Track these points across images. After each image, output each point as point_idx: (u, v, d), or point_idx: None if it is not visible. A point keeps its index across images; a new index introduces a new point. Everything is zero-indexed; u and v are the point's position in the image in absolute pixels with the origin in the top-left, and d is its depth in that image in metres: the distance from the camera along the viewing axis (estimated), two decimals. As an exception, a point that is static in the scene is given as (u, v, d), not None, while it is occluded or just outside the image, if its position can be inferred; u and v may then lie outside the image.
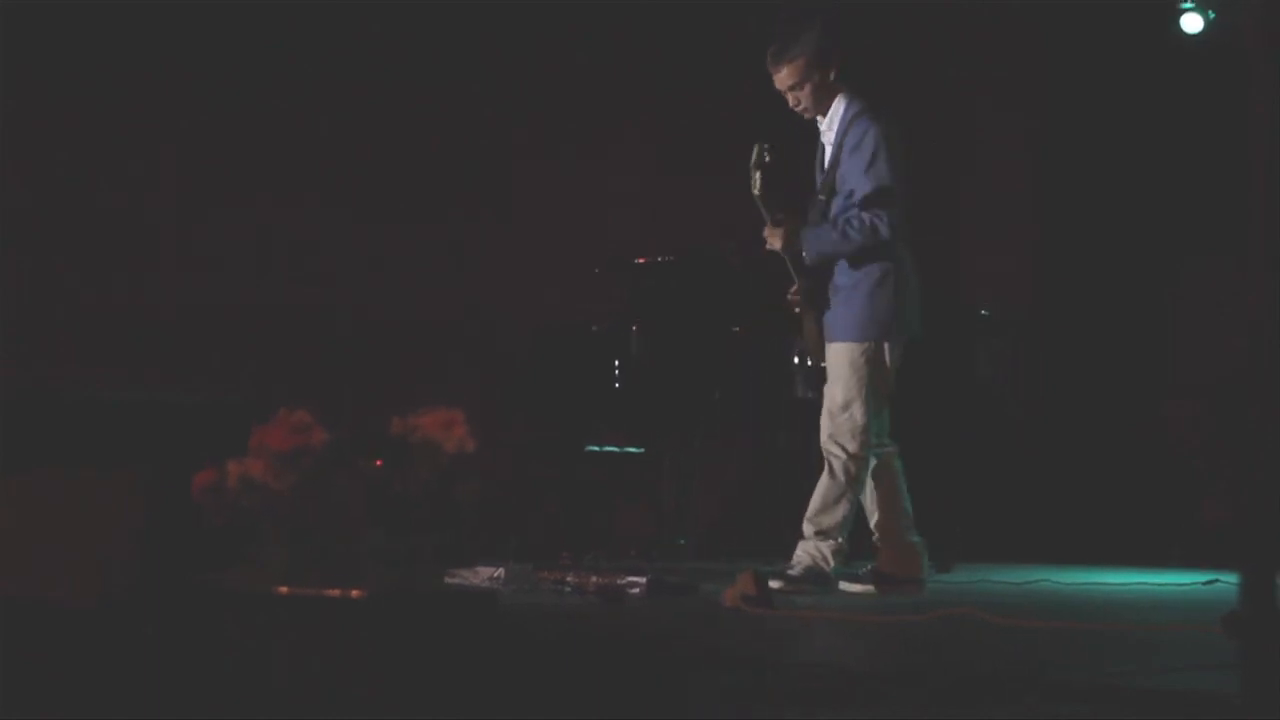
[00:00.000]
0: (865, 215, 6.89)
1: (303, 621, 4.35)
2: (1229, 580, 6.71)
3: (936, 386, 8.25)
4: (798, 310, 7.21)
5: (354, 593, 4.33)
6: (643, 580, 6.78)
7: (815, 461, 7.19)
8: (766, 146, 6.98)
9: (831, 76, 7.04)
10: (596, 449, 8.69)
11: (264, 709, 3.96)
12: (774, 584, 6.55)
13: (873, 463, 7.05)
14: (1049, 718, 3.83)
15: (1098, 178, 10.22)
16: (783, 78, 7.04)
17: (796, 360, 8.10)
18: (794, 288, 7.18)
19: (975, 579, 7.71)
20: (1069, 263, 10.39)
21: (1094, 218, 10.25)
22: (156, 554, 4.83)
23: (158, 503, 4.91)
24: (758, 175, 6.98)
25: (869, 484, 7.10)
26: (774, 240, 7.07)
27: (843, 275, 7.03)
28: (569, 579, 6.83)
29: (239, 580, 4.51)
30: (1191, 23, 9.53)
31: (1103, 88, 10.11)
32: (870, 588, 6.99)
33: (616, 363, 8.21)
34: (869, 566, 7.10)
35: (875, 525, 7.13)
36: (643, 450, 8.73)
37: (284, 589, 4.40)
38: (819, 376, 7.17)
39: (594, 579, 6.75)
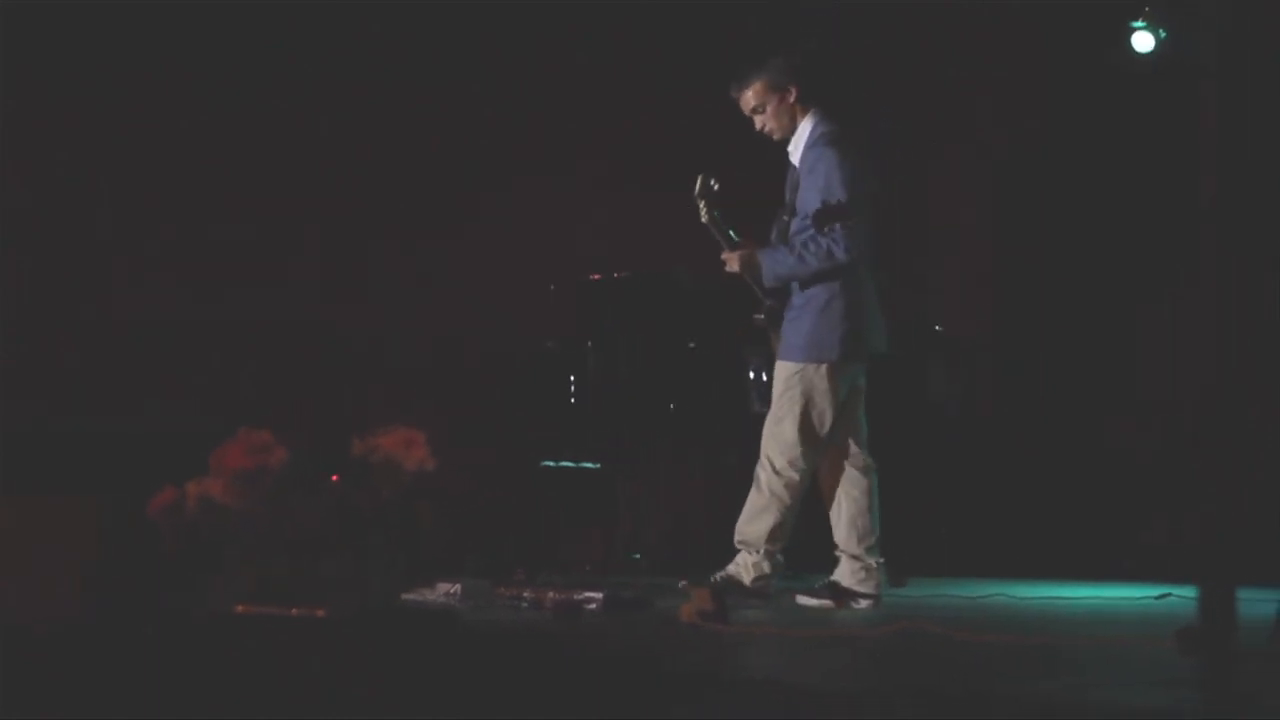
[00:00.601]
0: (820, 238, 6.94)
1: (264, 642, 4.36)
2: (1182, 595, 6.77)
3: (893, 402, 8.29)
4: (767, 329, 7.28)
5: (316, 612, 4.35)
6: (599, 596, 6.79)
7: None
8: (709, 177, 7.09)
9: (792, 98, 7.11)
10: (553, 465, 8.70)
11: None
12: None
13: (806, 482, 7.11)
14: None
15: (1052, 198, 10.28)
16: (745, 100, 7.14)
17: (752, 375, 8.15)
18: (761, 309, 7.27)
19: (930, 593, 7.74)
20: (1024, 283, 10.44)
21: (1049, 238, 10.30)
22: (114, 578, 4.83)
23: (116, 527, 4.91)
24: (702, 204, 7.12)
25: (838, 498, 7.16)
26: (731, 264, 7.15)
27: (796, 296, 7.11)
28: (526, 594, 6.84)
29: (199, 602, 4.53)
30: (1142, 41, 9.59)
31: (1057, 107, 10.17)
32: (827, 602, 7.04)
33: (572, 379, 8.24)
34: (825, 580, 7.15)
35: (839, 539, 7.18)
36: (598, 466, 8.75)
37: (244, 609, 4.42)
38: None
39: (551, 594, 6.77)
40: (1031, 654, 5.34)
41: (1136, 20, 9.57)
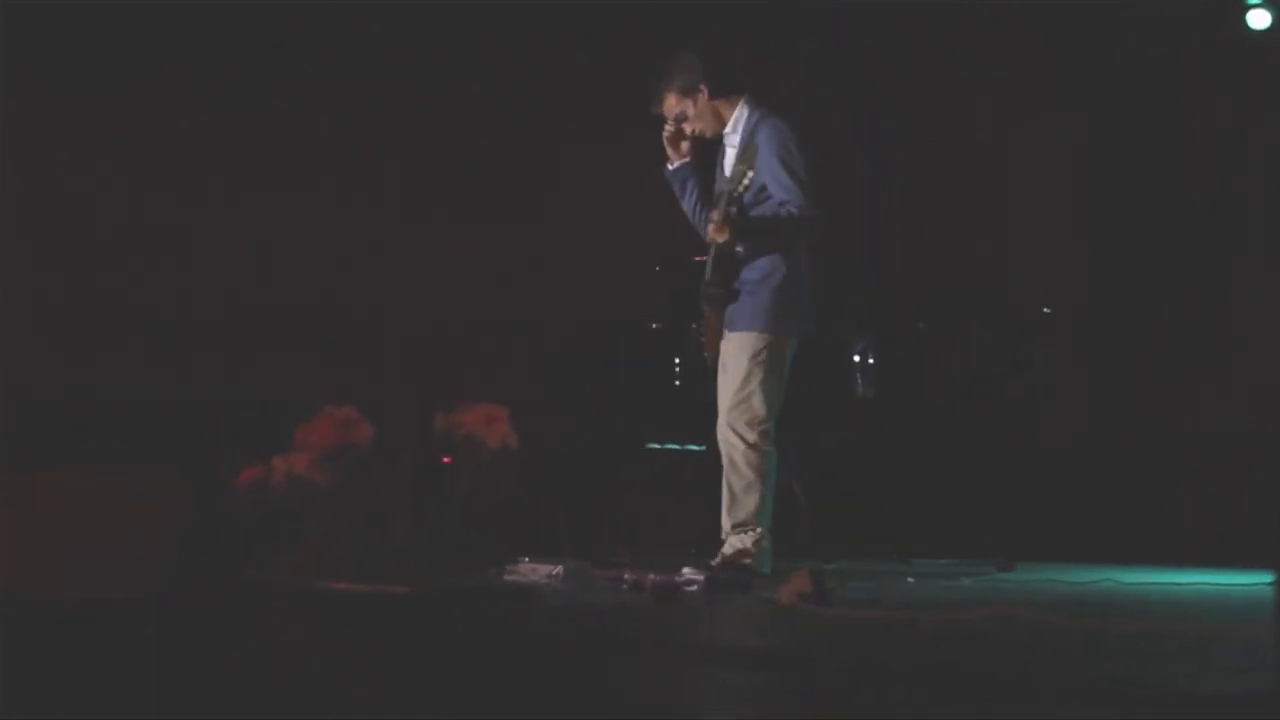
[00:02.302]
0: (792, 208, 6.97)
1: (343, 616, 4.36)
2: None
3: (993, 385, 8.20)
4: (703, 303, 7.19)
5: (397, 588, 4.34)
6: (700, 577, 6.75)
7: (868, 459, 7.19)
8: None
9: (705, 95, 7.18)
10: (657, 446, 8.66)
11: (300, 704, 3.97)
12: (689, 578, 6.64)
13: (774, 455, 7.05)
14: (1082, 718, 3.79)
15: (1147, 178, 10.11)
16: (667, 111, 7.25)
17: (856, 358, 8.09)
18: (705, 280, 7.17)
19: (1036, 578, 7.64)
20: (1121, 263, 10.28)
21: (1144, 217, 10.13)
22: (200, 550, 4.86)
23: (202, 499, 4.93)
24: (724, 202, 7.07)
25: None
26: (719, 235, 7.05)
27: (750, 270, 7.07)
28: (626, 576, 6.81)
29: (281, 575, 4.53)
30: (1259, 19, 9.42)
31: (1152, 84, 9.99)
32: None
33: (677, 360, 8.20)
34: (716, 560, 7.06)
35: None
36: (703, 448, 8.70)
37: (326, 584, 4.41)
38: (711, 368, 7.20)
39: (651, 576, 6.73)
40: (1126, 640, 5.24)
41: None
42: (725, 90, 7.19)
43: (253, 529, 4.61)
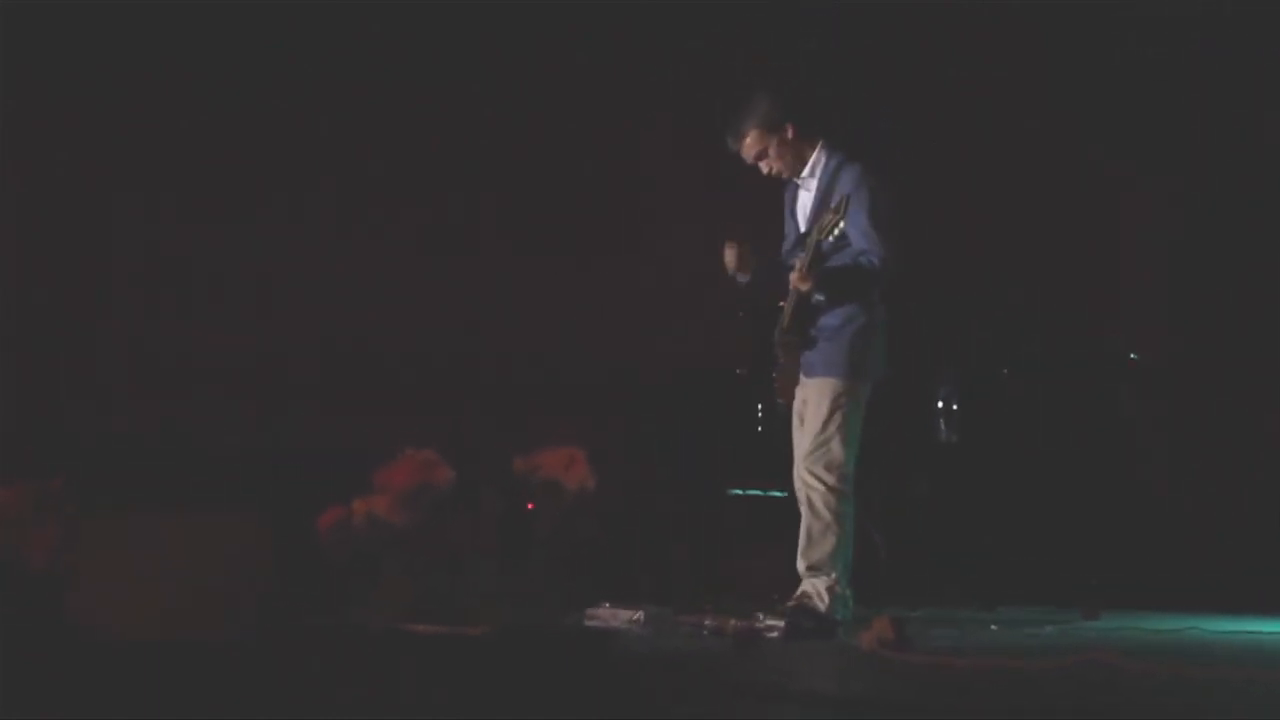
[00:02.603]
0: (873, 258, 6.91)
1: (422, 657, 4.40)
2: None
3: (1083, 428, 8.18)
4: (779, 351, 7.15)
5: (472, 630, 4.38)
6: (781, 623, 6.75)
7: (953, 506, 7.16)
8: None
9: (790, 135, 7.07)
10: (740, 492, 8.67)
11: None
12: (770, 624, 6.63)
13: (853, 500, 6.98)
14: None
15: (1239, 216, 10.02)
16: (746, 150, 7.11)
17: (941, 405, 8.08)
18: (782, 328, 7.11)
19: (1121, 625, 7.59)
20: (1212, 308, 10.19)
21: (1238, 262, 10.05)
22: (283, 592, 4.91)
23: (284, 543, 4.99)
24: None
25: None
26: (803, 284, 6.95)
27: (829, 317, 7.02)
28: (707, 622, 6.82)
29: (361, 617, 4.58)
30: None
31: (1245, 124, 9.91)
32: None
33: (760, 406, 8.20)
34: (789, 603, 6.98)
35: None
36: (785, 495, 8.70)
37: (405, 625, 4.46)
38: (786, 415, 7.15)
39: (732, 622, 6.73)
40: (1199, 687, 5.22)
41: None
42: (809, 131, 7.14)
43: (335, 571, 4.66)
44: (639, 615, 6.90)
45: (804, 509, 7.01)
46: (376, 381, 8.64)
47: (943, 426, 8.13)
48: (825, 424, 6.98)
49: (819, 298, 7.01)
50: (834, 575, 6.93)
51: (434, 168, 9.01)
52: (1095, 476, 8.47)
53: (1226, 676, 5.50)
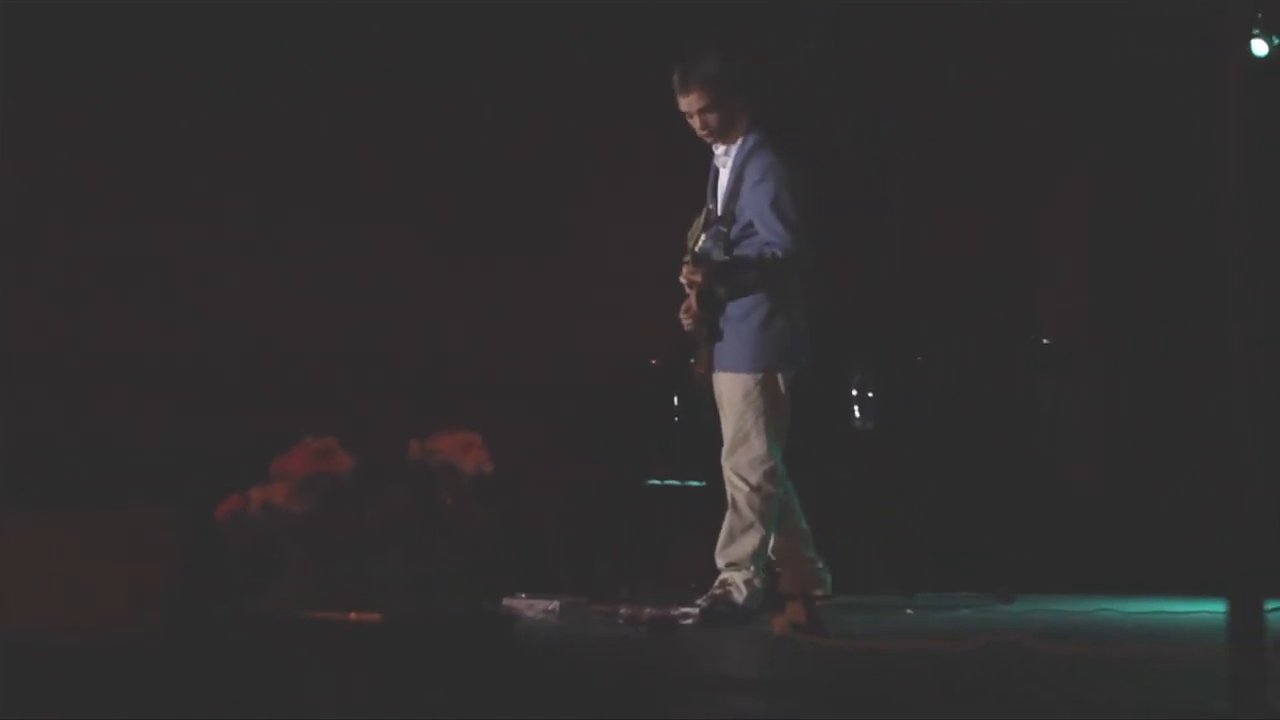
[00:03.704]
0: (776, 250, 6.84)
1: (322, 646, 4.37)
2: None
3: (999, 415, 8.21)
4: (687, 329, 7.09)
5: (373, 617, 4.35)
6: (695, 610, 6.75)
7: (868, 493, 7.17)
8: (711, 206, 7.01)
9: (737, 105, 6.98)
10: (658, 483, 8.66)
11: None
12: (684, 611, 6.64)
13: (779, 493, 6.94)
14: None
15: (1156, 202, 10.08)
16: (691, 101, 6.97)
17: (855, 391, 8.08)
18: (685, 306, 7.04)
19: (1034, 609, 7.62)
20: (1125, 291, 10.24)
21: (1150, 246, 10.10)
22: (187, 586, 4.87)
23: (189, 536, 4.95)
24: (701, 235, 6.97)
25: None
26: (694, 276, 6.92)
27: (734, 307, 6.95)
28: (622, 610, 6.81)
29: (260, 607, 4.54)
30: (1258, 47, 9.43)
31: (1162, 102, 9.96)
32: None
33: (675, 398, 8.19)
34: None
35: (772, 547, 7.02)
36: (703, 484, 8.70)
37: (304, 614, 4.42)
38: (705, 404, 7.12)
39: (647, 611, 6.73)
40: (1097, 666, 5.26)
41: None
42: (751, 109, 7.01)
43: (235, 562, 4.63)
44: (554, 605, 6.89)
45: (730, 504, 6.97)
46: (288, 376, 8.57)
47: (858, 414, 8.12)
48: (740, 420, 6.94)
49: (719, 291, 6.93)
50: (752, 569, 6.92)
51: (352, 161, 8.96)
52: (1011, 462, 8.50)
53: (1140, 654, 5.54)
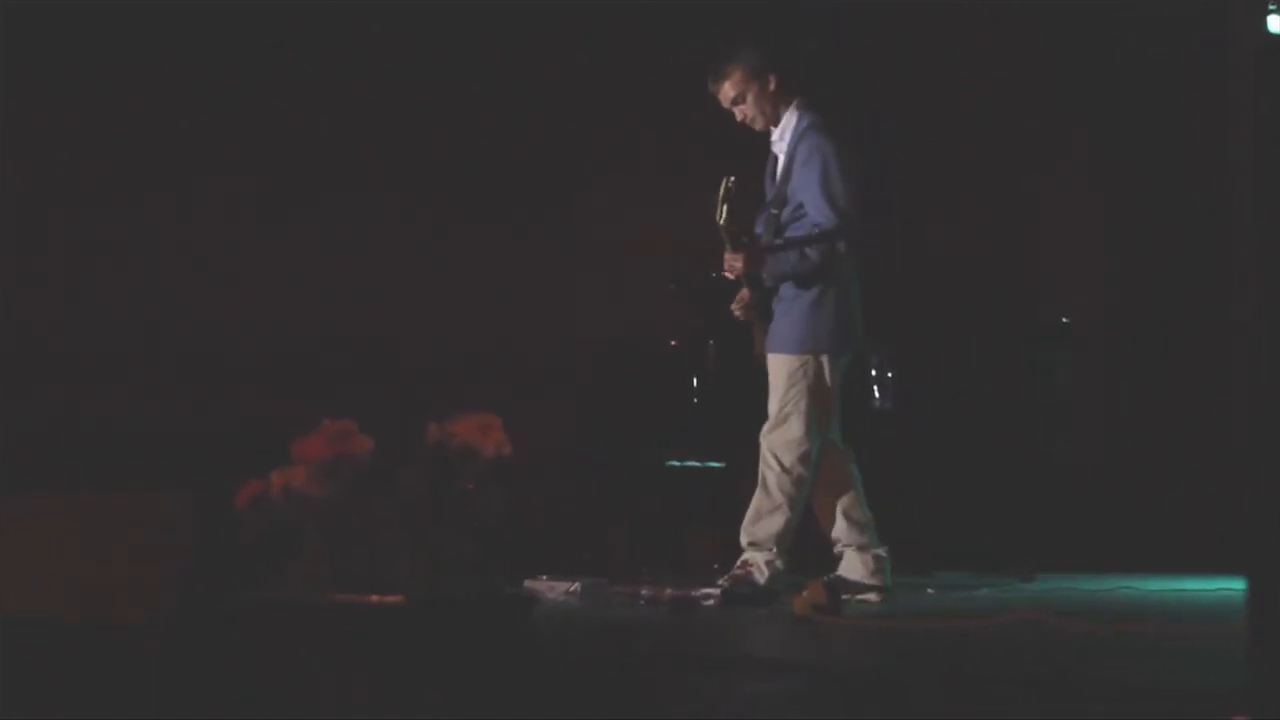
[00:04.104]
0: (820, 231, 6.82)
1: (341, 628, 4.38)
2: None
3: (1016, 396, 8.19)
4: (740, 318, 7.09)
5: (393, 598, 4.36)
6: (716, 591, 6.75)
7: (889, 473, 7.15)
8: (732, 179, 6.92)
9: (772, 86, 6.97)
10: (677, 465, 8.65)
11: (301, 713, 3.98)
12: (706, 592, 6.62)
13: (810, 478, 6.90)
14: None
15: (1167, 190, 10.05)
16: (724, 92, 7.00)
17: (874, 371, 8.07)
18: (739, 297, 7.05)
19: (1056, 587, 7.62)
20: (1146, 273, 10.21)
21: (1170, 226, 10.06)
22: (206, 570, 4.87)
23: (206, 520, 4.96)
24: (724, 207, 6.89)
25: (827, 492, 6.99)
26: (736, 264, 6.93)
27: (785, 288, 6.94)
28: (643, 592, 6.81)
29: (279, 590, 4.55)
30: (1274, 23, 9.38)
31: (1175, 90, 9.94)
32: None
33: (695, 379, 8.18)
34: (830, 577, 6.89)
35: (838, 534, 7.00)
36: (723, 465, 8.70)
37: (327, 597, 4.43)
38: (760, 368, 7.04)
39: (668, 591, 6.73)
40: (1117, 643, 5.26)
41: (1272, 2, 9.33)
42: (790, 88, 7.00)
43: (256, 546, 4.63)
44: (575, 586, 6.90)
45: (760, 481, 6.97)
46: (303, 359, 8.57)
47: (877, 394, 8.11)
48: (782, 401, 6.92)
49: (764, 277, 6.94)
50: (774, 551, 6.91)
51: (353, 145, 8.95)
52: (1030, 441, 8.48)
53: (1159, 632, 5.54)
